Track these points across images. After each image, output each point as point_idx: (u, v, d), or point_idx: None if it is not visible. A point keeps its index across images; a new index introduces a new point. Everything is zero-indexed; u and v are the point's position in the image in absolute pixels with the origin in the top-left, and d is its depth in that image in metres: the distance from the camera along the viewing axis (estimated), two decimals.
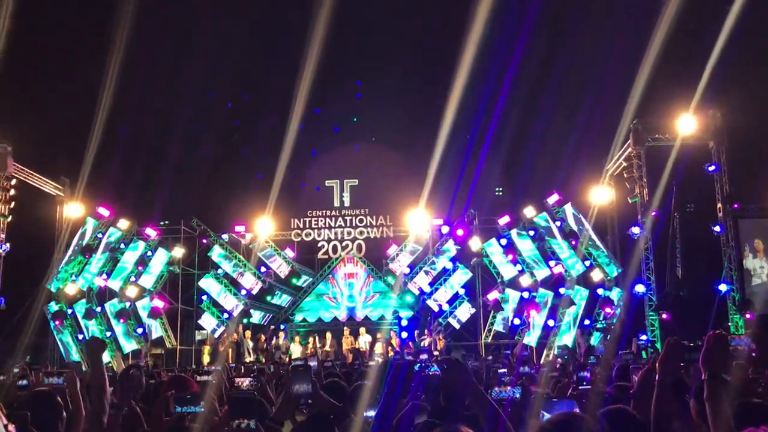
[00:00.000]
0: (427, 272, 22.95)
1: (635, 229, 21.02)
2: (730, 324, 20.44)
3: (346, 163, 27.18)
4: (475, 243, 22.45)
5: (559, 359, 16.22)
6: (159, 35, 25.60)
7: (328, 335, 22.02)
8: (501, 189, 29.81)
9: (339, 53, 20.94)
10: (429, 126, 23.55)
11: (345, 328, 22.59)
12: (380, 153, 27.87)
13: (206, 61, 27.55)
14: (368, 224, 24.36)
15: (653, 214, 21.10)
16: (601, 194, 23.03)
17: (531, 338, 21.41)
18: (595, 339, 21.25)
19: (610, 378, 6.48)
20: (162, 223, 24.28)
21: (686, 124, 20.66)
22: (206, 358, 21.81)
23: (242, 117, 31.75)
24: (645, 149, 21.45)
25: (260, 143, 29.07)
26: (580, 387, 6.02)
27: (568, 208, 21.88)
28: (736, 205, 21.28)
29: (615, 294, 21.38)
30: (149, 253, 23.05)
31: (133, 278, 22.82)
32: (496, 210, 23.11)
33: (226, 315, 22.81)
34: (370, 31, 28.93)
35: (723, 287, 20.75)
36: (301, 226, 24.41)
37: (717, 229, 21.22)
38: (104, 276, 22.71)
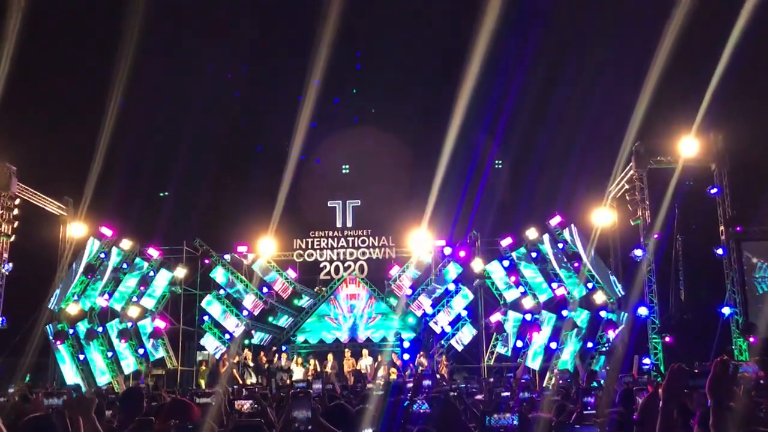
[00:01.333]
0: (429, 294, 22.90)
1: (638, 252, 20.96)
2: (733, 347, 20.33)
3: (346, 141, 27.44)
4: (477, 264, 22.42)
5: (560, 381, 16.16)
6: (159, 54, 25.80)
7: (330, 357, 21.91)
8: (500, 162, 29.54)
9: (341, 25, 20.99)
10: (431, 148, 23.64)
11: (347, 349, 22.49)
12: (378, 136, 27.90)
13: (207, 64, 27.77)
14: (370, 245, 24.35)
15: (655, 236, 21.05)
16: (604, 216, 23.01)
17: (533, 361, 21.30)
18: (599, 362, 21.11)
19: (614, 402, 6.44)
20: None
21: (688, 146, 20.68)
22: (202, 380, 21.71)
23: (243, 89, 31.74)
24: (647, 171, 21.45)
25: (262, 117, 29.13)
26: (584, 412, 5.98)
27: (571, 230, 21.88)
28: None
29: (620, 317, 21.28)
30: (151, 274, 23.06)
31: (135, 298, 22.81)
32: (499, 231, 23.10)
33: (227, 336, 22.75)
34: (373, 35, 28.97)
35: (726, 310, 20.64)
36: (304, 246, 24.41)
37: (719, 251, 21.16)
38: (106, 296, 22.70)
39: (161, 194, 28.56)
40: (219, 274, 23.25)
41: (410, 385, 7.78)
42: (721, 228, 21.28)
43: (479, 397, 11.15)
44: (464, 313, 22.55)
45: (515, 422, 4.11)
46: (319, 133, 27.73)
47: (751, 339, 20.03)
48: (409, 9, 27.89)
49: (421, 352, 21.54)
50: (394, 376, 19.73)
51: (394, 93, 28.59)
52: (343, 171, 26.18)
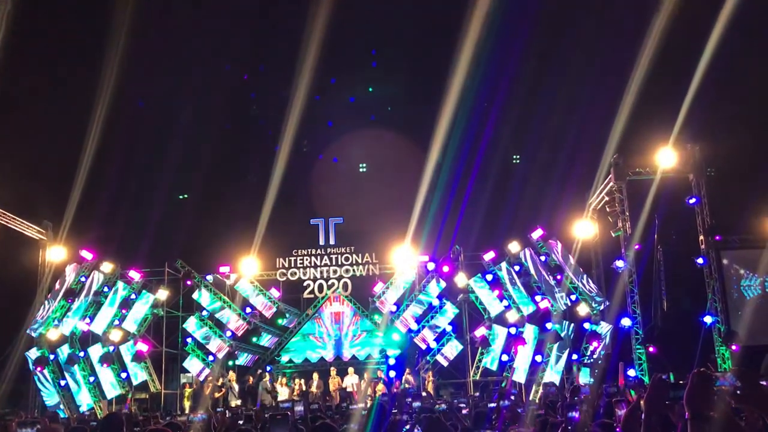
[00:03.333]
0: (413, 310, 22.84)
1: (619, 263, 21.09)
2: (716, 356, 20.46)
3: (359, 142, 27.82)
4: (461, 279, 22.40)
5: (549, 393, 16.12)
6: (148, 71, 25.73)
7: (315, 376, 21.75)
8: (518, 157, 29.93)
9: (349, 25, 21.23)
10: (414, 162, 23.74)
11: (332, 368, 22.34)
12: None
13: (204, 74, 27.67)
14: (354, 262, 24.26)
15: (636, 247, 21.21)
16: (585, 228, 23.16)
17: (518, 375, 21.27)
18: (583, 375, 21.11)
19: (598, 414, 6.44)
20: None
21: (666, 157, 20.94)
22: (187, 402, 21.47)
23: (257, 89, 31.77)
24: (626, 183, 21.65)
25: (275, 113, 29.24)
26: (569, 427, 5.97)
27: (553, 243, 21.98)
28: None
29: (603, 328, 21.34)
30: (133, 296, 22.82)
31: (116, 322, 22.55)
32: (482, 245, 23.13)
33: (211, 357, 22.52)
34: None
35: (708, 319, 20.81)
36: (287, 265, 24.27)
37: (700, 261, 21.35)
38: (87, 320, 22.42)
39: (180, 197, 28.55)
40: (204, 297, 23.04)
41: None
42: (701, 237, 21.49)
43: (465, 412, 11.12)
44: (449, 328, 22.50)
45: None
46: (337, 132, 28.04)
47: (733, 347, 20.19)
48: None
49: (407, 370, 21.43)
50: (380, 394, 19.63)
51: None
52: (360, 170, 26.58)
